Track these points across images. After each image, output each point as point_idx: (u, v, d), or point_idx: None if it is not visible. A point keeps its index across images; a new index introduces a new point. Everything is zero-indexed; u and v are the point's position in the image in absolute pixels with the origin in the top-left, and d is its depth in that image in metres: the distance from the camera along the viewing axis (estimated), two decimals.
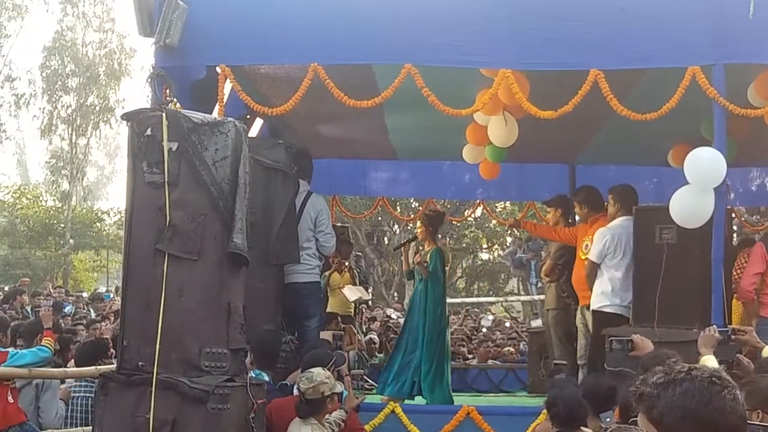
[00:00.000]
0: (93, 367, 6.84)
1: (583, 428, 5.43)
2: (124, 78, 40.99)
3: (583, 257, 8.69)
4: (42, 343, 6.75)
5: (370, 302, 15.12)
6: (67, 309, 17.16)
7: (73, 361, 7.83)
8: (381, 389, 9.18)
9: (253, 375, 6.14)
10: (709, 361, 5.30)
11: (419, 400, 8.96)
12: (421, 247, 9.76)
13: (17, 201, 41.24)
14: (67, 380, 7.37)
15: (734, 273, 7.98)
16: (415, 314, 9.30)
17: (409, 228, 31.45)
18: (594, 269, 8.07)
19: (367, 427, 7.12)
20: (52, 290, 18.47)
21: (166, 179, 5.76)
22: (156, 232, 5.76)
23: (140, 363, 5.64)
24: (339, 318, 10.74)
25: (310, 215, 8.25)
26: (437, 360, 8.99)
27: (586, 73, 6.70)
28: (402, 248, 10.03)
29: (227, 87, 7.13)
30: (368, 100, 7.02)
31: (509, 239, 30.92)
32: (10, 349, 6.67)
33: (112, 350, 7.91)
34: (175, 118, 5.90)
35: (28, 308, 15.15)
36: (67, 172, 40.98)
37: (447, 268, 9.53)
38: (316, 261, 8.34)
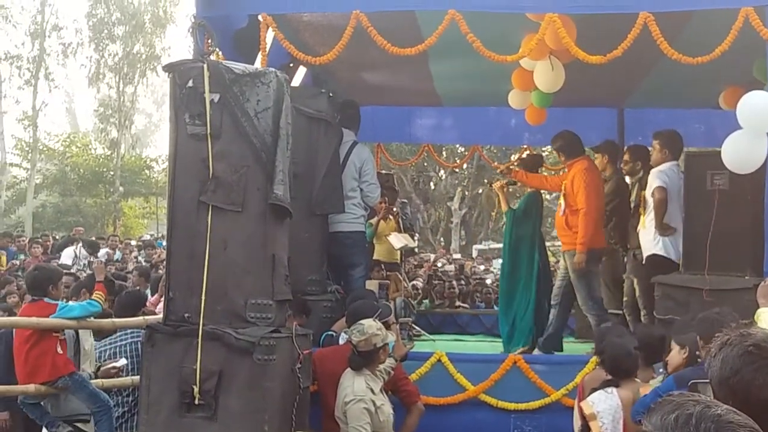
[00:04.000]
0: (141, 318, 6.90)
1: (634, 378, 5.39)
2: (169, 25, 41.20)
3: (560, 202, 8.75)
4: (93, 297, 6.81)
5: (416, 249, 15.07)
6: (116, 256, 17.42)
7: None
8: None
9: None
10: (765, 314, 5.16)
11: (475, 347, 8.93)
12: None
13: (67, 149, 41.86)
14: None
15: None
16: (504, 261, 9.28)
17: (455, 172, 31.45)
18: (665, 195, 7.79)
19: (413, 375, 7.13)
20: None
21: (209, 131, 5.74)
22: (199, 184, 5.76)
23: (186, 314, 5.69)
24: (382, 265, 10.73)
25: (354, 165, 8.20)
26: (519, 307, 8.86)
27: (635, 15, 6.52)
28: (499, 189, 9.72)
29: (269, 36, 7.06)
30: (412, 47, 6.91)
31: None
32: (60, 302, 6.74)
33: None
34: (217, 69, 5.86)
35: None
36: (115, 120, 41.48)
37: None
38: (361, 210, 8.29)
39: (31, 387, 6.59)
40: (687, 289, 7.00)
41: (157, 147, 60.44)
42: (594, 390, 5.37)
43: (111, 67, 40.47)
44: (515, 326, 8.89)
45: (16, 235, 19.78)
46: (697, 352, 5.03)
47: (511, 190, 9.54)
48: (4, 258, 15.22)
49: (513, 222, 9.11)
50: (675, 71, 7.80)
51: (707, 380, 2.61)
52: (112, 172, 40.44)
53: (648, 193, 7.95)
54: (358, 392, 5.83)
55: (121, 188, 39.83)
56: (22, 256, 16.23)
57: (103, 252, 17.33)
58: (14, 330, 6.96)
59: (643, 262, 8.05)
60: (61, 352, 6.65)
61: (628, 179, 9.35)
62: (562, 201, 8.75)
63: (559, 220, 8.77)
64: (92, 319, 6.80)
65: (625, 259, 8.95)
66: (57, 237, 20.34)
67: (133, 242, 22.24)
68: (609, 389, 5.22)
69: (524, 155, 10.51)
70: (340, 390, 5.96)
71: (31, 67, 38.47)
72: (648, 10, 6.49)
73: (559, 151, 8.91)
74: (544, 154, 27.35)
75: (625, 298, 8.72)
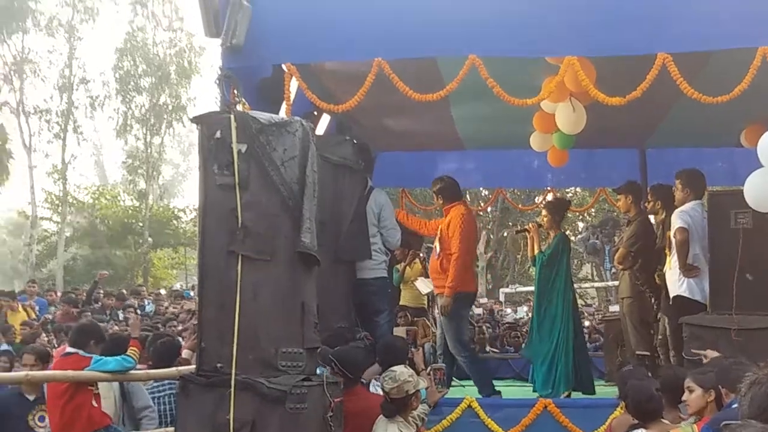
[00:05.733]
0: (174, 369, 6.96)
1: (662, 420, 5.39)
2: (195, 76, 41.69)
3: (435, 245, 8.98)
4: (128, 353, 6.89)
5: None
6: (148, 308, 17.52)
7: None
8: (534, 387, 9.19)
9: (318, 371, 6.17)
10: None
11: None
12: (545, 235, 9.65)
13: (96, 201, 42.26)
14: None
15: None
16: (535, 304, 9.40)
17: (479, 215, 31.46)
18: (687, 236, 7.79)
19: (444, 421, 7.21)
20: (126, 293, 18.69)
21: (237, 181, 5.84)
22: (228, 233, 5.84)
23: (218, 364, 5.73)
24: (408, 311, 10.75)
25: (372, 210, 8.28)
26: (557, 349, 8.89)
27: (654, 56, 6.59)
28: (526, 232, 9.85)
29: (293, 85, 7.18)
30: (433, 93, 6.99)
31: (581, 225, 30.64)
32: (95, 355, 6.81)
33: None
34: (244, 120, 5.97)
35: (119, 313, 15.35)
36: (143, 171, 41.87)
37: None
38: (382, 256, 8.37)
39: None
40: (715, 329, 6.98)
41: (184, 197, 60.93)
42: None
43: (138, 118, 40.98)
44: (553, 371, 8.88)
45: (47, 288, 19.91)
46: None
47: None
48: (21, 309, 15.19)
49: (542, 265, 9.16)
50: (696, 110, 7.81)
51: (738, 422, 2.63)
52: (141, 224, 40.80)
53: (672, 233, 7.95)
54: None
55: (150, 239, 40.15)
56: (52, 309, 16.34)
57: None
58: (45, 384, 7.07)
59: (670, 303, 8.04)
60: (96, 405, 6.72)
61: (652, 219, 9.38)
62: (437, 244, 8.96)
63: (433, 264, 9.00)
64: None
65: (653, 300, 8.92)
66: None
67: (163, 291, 22.41)
68: (637, 430, 5.24)
69: (550, 198, 10.59)
70: None
71: (60, 121, 38.97)
72: (666, 51, 6.54)
73: (437, 194, 9.16)
74: (568, 195, 27.51)
75: (659, 337, 8.68)
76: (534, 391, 9.06)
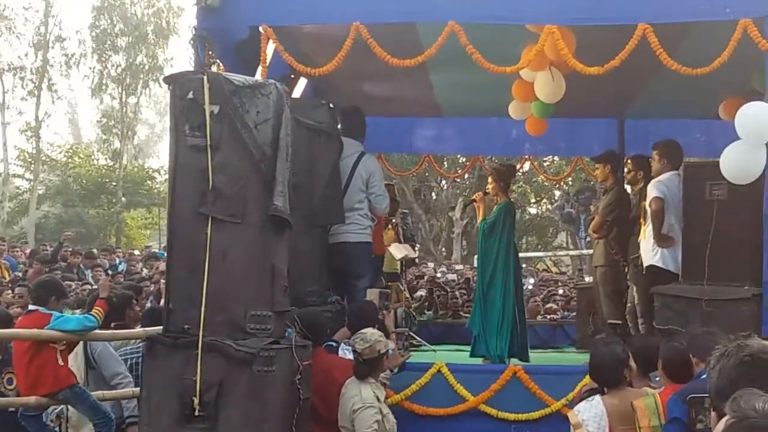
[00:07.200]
0: (141, 330, 6.89)
1: (627, 387, 5.40)
2: (172, 37, 41.41)
3: None
4: (92, 312, 6.78)
5: (416, 260, 15.02)
6: (120, 267, 17.38)
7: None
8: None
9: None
10: None
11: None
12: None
13: (70, 160, 41.97)
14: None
15: None
16: (479, 274, 9.32)
17: (457, 182, 31.56)
18: (662, 206, 7.77)
19: (413, 386, 7.26)
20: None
21: (209, 142, 5.74)
22: (199, 195, 5.74)
23: (186, 326, 5.66)
24: (383, 276, 10.72)
25: (361, 176, 8.25)
26: (493, 317, 8.85)
27: (634, 27, 6.55)
28: (474, 203, 9.74)
29: (270, 47, 7.09)
30: (412, 58, 6.94)
31: (557, 193, 30.76)
32: (55, 312, 6.69)
33: None
34: (217, 81, 5.86)
35: (88, 272, 15.14)
36: (118, 131, 41.63)
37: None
38: (368, 221, 8.32)
39: (32, 399, 6.57)
40: (686, 299, 7.01)
41: (159, 157, 60.53)
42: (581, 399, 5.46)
43: (114, 77, 40.66)
44: (498, 340, 8.86)
45: (10, 246, 19.62)
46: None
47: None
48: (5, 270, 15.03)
49: (484, 234, 9.13)
50: (675, 82, 7.83)
51: (705, 395, 2.62)
52: (114, 183, 40.58)
53: (647, 203, 7.96)
54: (367, 399, 5.90)
55: (123, 199, 39.96)
56: (21, 266, 16.18)
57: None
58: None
59: (643, 272, 8.06)
60: (63, 363, 6.62)
61: (629, 189, 9.40)
62: None
63: None
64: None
65: (626, 269, 8.97)
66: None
67: (137, 252, 22.25)
68: (592, 397, 5.27)
69: (499, 165, 10.59)
70: (344, 400, 6.00)
71: (35, 78, 38.64)
72: (646, 22, 6.52)
73: None
74: (545, 164, 27.52)
75: (627, 305, 8.74)
76: (471, 356, 9.03)
